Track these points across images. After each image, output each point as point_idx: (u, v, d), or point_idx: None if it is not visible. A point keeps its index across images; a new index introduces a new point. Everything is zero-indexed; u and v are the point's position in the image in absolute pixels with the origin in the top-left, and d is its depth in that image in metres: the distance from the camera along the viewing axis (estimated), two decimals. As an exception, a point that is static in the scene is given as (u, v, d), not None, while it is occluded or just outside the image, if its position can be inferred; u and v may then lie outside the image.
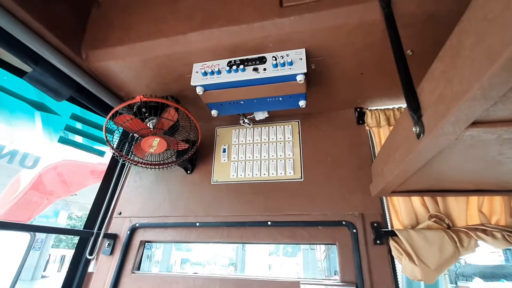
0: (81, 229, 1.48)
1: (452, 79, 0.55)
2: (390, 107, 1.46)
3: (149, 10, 1.20)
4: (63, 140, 1.66)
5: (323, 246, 8.49)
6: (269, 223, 1.34)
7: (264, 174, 1.49)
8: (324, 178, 1.42)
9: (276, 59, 1.09)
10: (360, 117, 1.50)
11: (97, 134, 1.86)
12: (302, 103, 1.21)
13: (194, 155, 1.59)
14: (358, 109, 1.52)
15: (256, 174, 1.49)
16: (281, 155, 1.52)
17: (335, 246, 1.28)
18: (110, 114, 1.17)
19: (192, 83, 1.15)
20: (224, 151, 1.60)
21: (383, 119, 1.43)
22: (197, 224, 1.43)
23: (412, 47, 1.08)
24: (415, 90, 0.74)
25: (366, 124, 1.47)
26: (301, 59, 1.08)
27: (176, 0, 1.18)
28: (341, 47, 1.10)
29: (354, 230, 1.25)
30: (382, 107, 1.48)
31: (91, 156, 2.11)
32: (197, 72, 1.16)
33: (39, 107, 1.47)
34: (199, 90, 1.16)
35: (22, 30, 0.95)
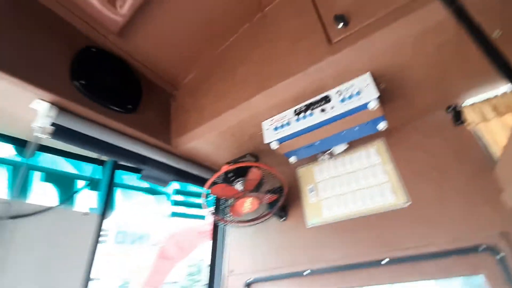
0: (204, 292, 1.61)
1: None
2: (492, 95, 1.21)
3: (213, 90, 1.36)
4: (173, 214, 1.95)
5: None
6: (384, 261, 1.21)
7: (361, 207, 1.38)
8: (435, 196, 1.22)
9: (341, 94, 1.07)
10: (457, 117, 1.29)
11: (193, 201, 2.10)
12: (381, 125, 1.13)
13: (285, 201, 1.61)
14: (452, 108, 1.31)
15: (352, 209, 1.40)
16: (374, 182, 1.40)
17: (479, 276, 1.05)
18: (206, 187, 1.30)
19: (265, 141, 1.20)
20: (310, 191, 1.58)
21: (489, 110, 1.19)
22: (304, 273, 1.39)
23: (499, 27, 0.90)
24: None
25: (466, 122, 1.24)
26: (368, 85, 1.02)
27: (232, 75, 1.31)
28: (409, 58, 1.00)
29: (500, 255, 1.00)
30: (482, 98, 1.24)
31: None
32: (267, 129, 1.22)
33: (151, 192, 1.79)
34: (274, 146, 1.20)
35: (135, 143, 1.20)
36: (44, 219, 1.07)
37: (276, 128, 1.18)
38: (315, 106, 1.12)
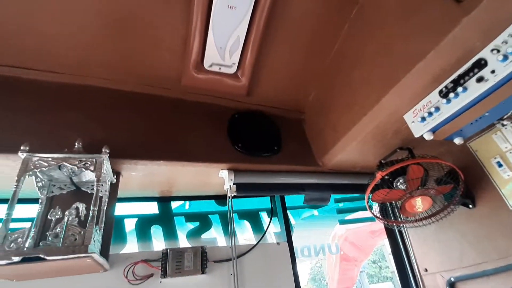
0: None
1: None
2: None
3: (338, 103, 1.39)
4: (341, 222, 2.05)
5: None
6: None
7: None
8: None
9: (499, 51, 0.84)
10: None
11: (357, 205, 2.12)
12: None
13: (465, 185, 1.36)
14: None
15: None
16: None
17: None
18: (367, 196, 1.31)
19: (416, 135, 1.10)
20: (500, 165, 1.26)
21: None
22: None
23: None
24: None
25: None
26: (538, 24, 0.77)
27: (350, 81, 1.29)
28: None
29: None
30: None
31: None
32: (413, 122, 1.12)
33: (314, 206, 1.99)
34: (428, 137, 1.08)
35: (290, 175, 1.42)
36: (254, 254, 1.42)
37: (422, 119, 1.06)
38: (466, 79, 0.93)
